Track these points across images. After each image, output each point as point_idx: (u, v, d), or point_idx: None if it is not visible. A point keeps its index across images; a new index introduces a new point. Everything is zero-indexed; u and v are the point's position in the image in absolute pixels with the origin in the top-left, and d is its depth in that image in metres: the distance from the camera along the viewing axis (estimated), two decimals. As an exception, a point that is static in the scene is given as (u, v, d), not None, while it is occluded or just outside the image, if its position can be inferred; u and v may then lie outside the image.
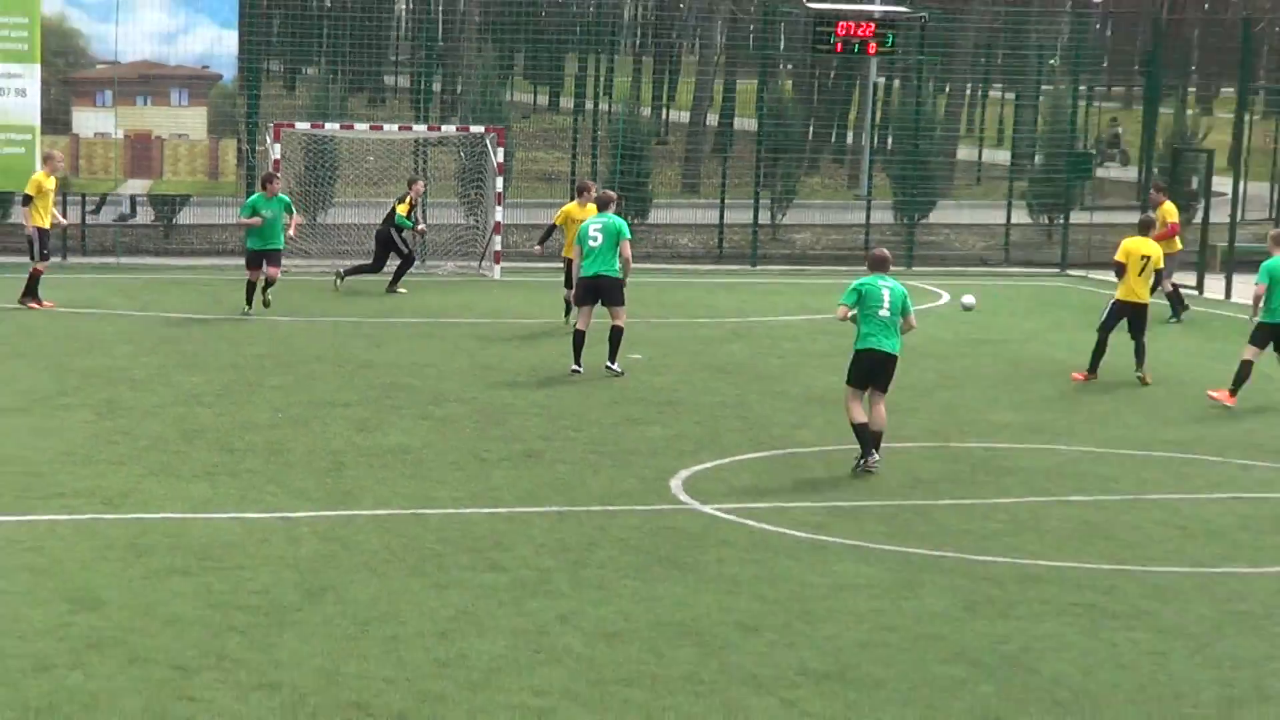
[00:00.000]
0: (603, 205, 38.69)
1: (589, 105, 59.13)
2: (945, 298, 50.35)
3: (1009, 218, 61.12)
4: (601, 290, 37.36)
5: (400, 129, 54.39)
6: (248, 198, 40.50)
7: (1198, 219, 57.25)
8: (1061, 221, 60.20)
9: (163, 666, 19.16)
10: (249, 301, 39.82)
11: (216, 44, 49.64)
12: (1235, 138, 58.62)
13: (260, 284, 41.02)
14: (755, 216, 56.81)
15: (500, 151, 49.95)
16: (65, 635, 20.00)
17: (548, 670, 19.73)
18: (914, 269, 55.85)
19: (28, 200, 41.92)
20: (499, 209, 49.26)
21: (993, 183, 68.84)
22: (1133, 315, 39.17)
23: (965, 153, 78.47)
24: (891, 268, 29.11)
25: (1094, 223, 60.46)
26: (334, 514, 25.83)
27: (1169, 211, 48.80)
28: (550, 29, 69.79)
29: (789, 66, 66.87)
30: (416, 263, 50.16)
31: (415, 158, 53.38)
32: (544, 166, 56.91)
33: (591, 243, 37.38)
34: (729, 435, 31.62)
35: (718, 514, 26.55)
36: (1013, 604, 22.97)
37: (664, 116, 77.21)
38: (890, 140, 63.43)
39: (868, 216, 59.29)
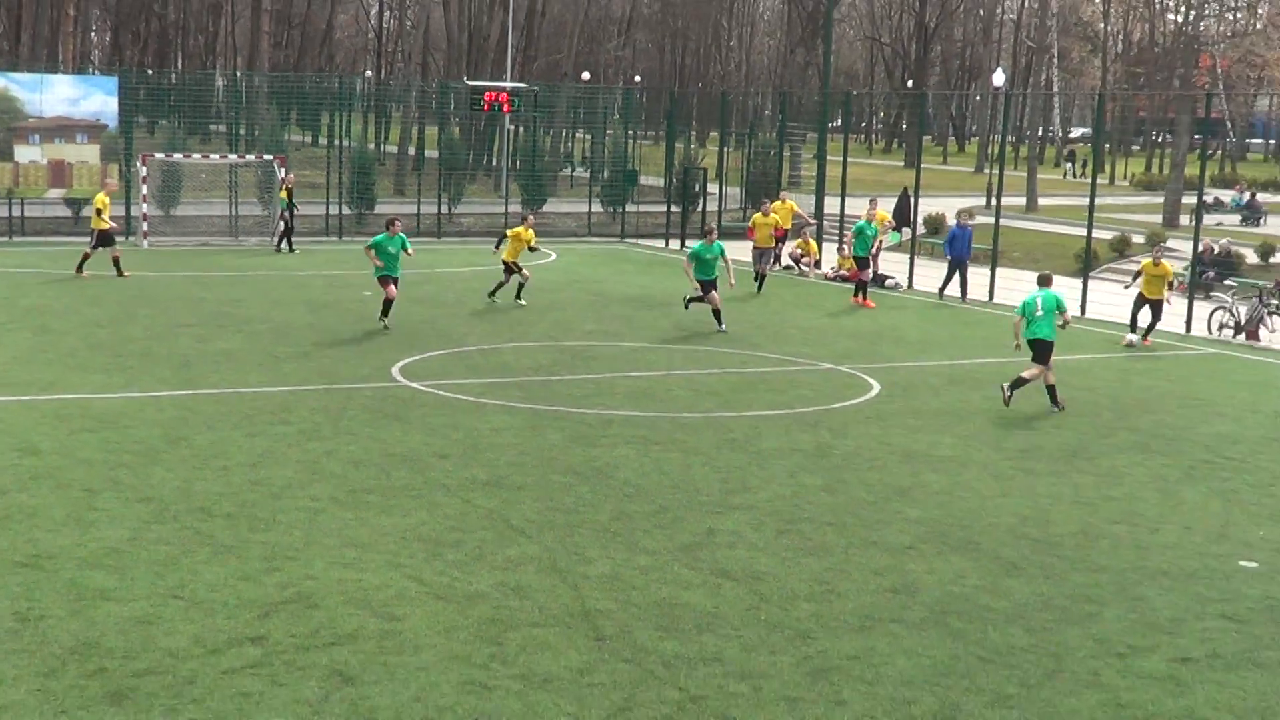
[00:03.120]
0: (707, 234, 36.09)
1: (337, 142, 58.55)
2: (554, 255, 50.11)
3: (590, 207, 61.02)
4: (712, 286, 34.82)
5: (220, 157, 53.76)
6: (375, 238, 33.86)
7: (699, 209, 57.62)
8: (621, 210, 60.25)
9: (78, 490, 19.14)
10: (384, 314, 33.04)
11: (104, 106, 49.04)
12: (719, 161, 59.19)
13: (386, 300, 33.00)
14: (438, 208, 56.41)
15: (283, 170, 49.31)
16: (16, 472, 19.93)
17: (319, 486, 19.80)
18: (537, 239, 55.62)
19: (98, 211, 40.43)
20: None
21: (580, 187, 68.74)
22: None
23: (574, 170, 77.99)
24: (1052, 282, 28.25)
25: (639, 211, 60.56)
26: (184, 393, 25.48)
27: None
28: (312, 96, 69.22)
29: (457, 119, 66.35)
30: (230, 238, 49.73)
31: (230, 174, 52.36)
32: (310, 180, 56.07)
33: (710, 257, 34.93)
34: (425, 340, 31.47)
35: (420, 388, 26.47)
36: (598, 438, 23.12)
37: (382, 148, 76.23)
38: (518, 162, 63.26)
39: (506, 207, 59.09)
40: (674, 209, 56.93)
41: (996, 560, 18.00)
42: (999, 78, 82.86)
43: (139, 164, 48.82)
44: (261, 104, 64.57)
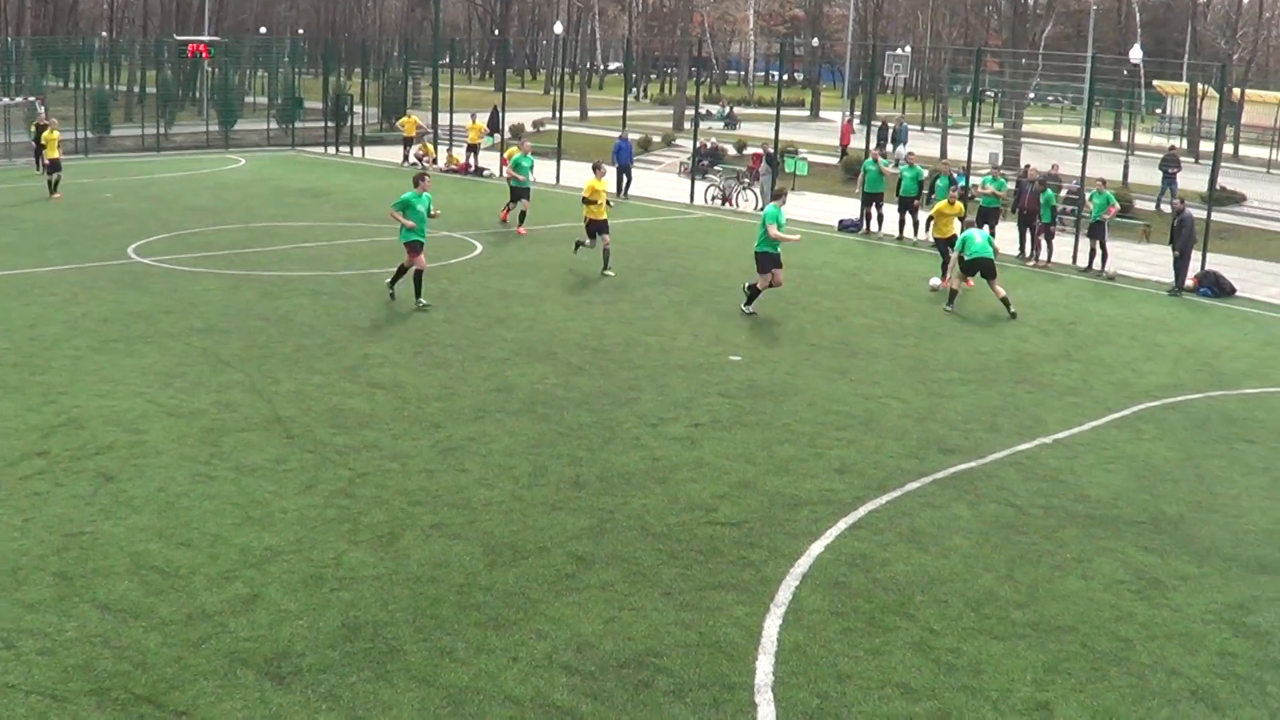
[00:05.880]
0: (776, 197, 22.61)
1: (82, 85, 55.26)
2: (243, 161, 48.27)
3: (268, 125, 58.47)
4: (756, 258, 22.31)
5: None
6: (403, 195, 21.97)
7: (347, 124, 55.87)
8: (291, 126, 57.85)
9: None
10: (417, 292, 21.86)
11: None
12: (361, 89, 57.50)
13: (412, 272, 21.78)
14: (158, 129, 53.42)
15: (44, 110, 46.37)
16: None
17: (79, 339, 19.08)
18: (229, 151, 53.29)
19: (44, 147, 36.87)
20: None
21: (261, 111, 65.49)
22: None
23: (256, 98, 74.38)
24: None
25: (304, 126, 58.27)
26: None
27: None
28: (63, 53, 65.26)
29: (169, 64, 62.99)
30: (6, 160, 46.51)
31: (3, 113, 48.66)
32: (64, 113, 52.23)
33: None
34: (151, 228, 30.10)
35: (150, 263, 25.41)
36: (281, 293, 22.64)
37: (115, 88, 71.65)
38: (215, 95, 59.99)
39: (207, 126, 56.41)
40: (330, 124, 55.54)
41: (568, 365, 18.23)
42: (559, 28, 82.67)
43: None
44: (26, 61, 60.48)
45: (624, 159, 39.59)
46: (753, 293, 22.45)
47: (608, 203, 26.04)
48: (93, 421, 14.79)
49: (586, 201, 25.85)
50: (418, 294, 21.83)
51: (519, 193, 31.38)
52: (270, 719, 8.60)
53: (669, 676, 9.34)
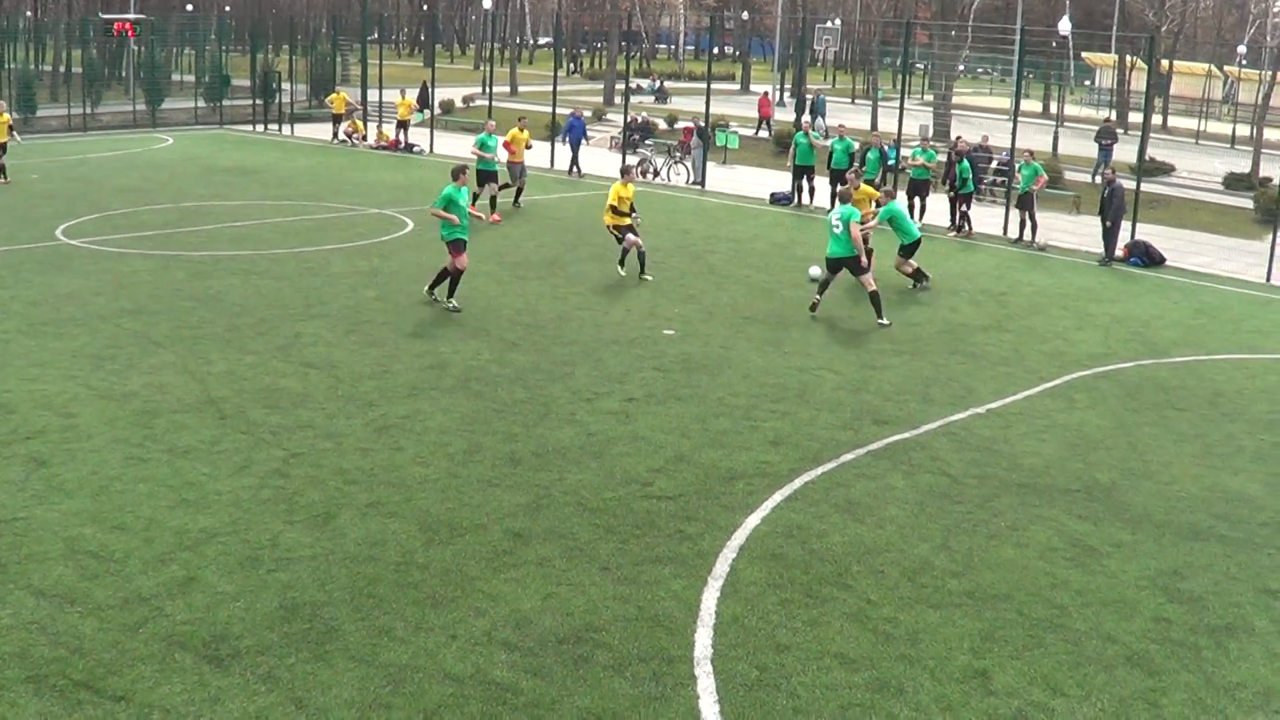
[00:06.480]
0: (844, 199, 20.84)
1: (7, 65, 54.24)
2: (171, 140, 47.47)
3: (196, 103, 57.51)
4: (845, 264, 20.39)
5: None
6: (444, 190, 20.48)
7: (276, 102, 55.14)
8: (219, 104, 57.11)
9: None
10: (451, 291, 20.29)
11: None
12: (290, 66, 56.97)
13: (453, 273, 20.22)
14: (84, 109, 52.53)
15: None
16: None
17: (7, 322, 18.79)
18: (156, 130, 52.42)
19: None
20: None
21: (188, 89, 64.41)
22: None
23: (183, 76, 72.96)
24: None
25: (233, 104, 57.51)
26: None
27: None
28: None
29: (95, 43, 61.87)
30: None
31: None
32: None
33: (835, 230, 20.40)
34: (79, 208, 29.61)
35: (78, 244, 25.01)
36: (211, 272, 22.43)
37: (40, 68, 70.39)
38: (142, 73, 58.93)
39: (134, 106, 55.40)
40: (258, 102, 54.96)
41: (501, 341, 18.22)
42: (488, 2, 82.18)
43: None
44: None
45: (575, 137, 38.65)
46: (875, 302, 20.51)
47: (631, 209, 23.58)
48: (23, 406, 14.59)
49: (615, 211, 23.53)
50: (451, 294, 20.24)
51: (485, 176, 29.81)
52: (209, 702, 8.57)
53: (608, 651, 9.37)
